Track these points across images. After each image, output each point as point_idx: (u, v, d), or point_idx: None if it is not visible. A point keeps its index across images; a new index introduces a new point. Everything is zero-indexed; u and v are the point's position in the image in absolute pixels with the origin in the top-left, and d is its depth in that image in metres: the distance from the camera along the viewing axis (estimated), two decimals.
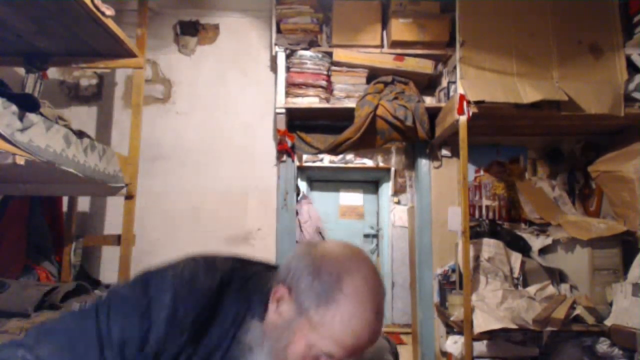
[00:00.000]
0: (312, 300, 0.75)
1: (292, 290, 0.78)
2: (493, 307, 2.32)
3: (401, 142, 3.12)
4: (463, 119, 2.33)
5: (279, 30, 3.02)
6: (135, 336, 0.75)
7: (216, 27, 3.30)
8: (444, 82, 2.98)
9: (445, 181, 3.04)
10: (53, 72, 3.09)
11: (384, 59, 2.97)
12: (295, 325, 0.76)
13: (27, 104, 1.61)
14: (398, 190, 4.95)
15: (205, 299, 0.80)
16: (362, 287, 0.76)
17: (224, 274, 0.84)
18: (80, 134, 1.97)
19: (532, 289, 2.44)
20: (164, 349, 0.76)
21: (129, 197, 2.53)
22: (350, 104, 2.91)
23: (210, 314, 0.80)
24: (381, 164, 3.92)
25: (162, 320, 0.76)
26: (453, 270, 2.77)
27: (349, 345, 0.74)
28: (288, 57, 2.97)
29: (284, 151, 3.02)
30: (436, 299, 2.90)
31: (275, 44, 2.99)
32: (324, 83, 2.94)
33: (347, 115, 2.84)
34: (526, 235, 2.77)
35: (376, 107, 2.79)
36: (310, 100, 2.90)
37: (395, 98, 2.85)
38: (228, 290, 0.82)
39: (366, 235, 5.86)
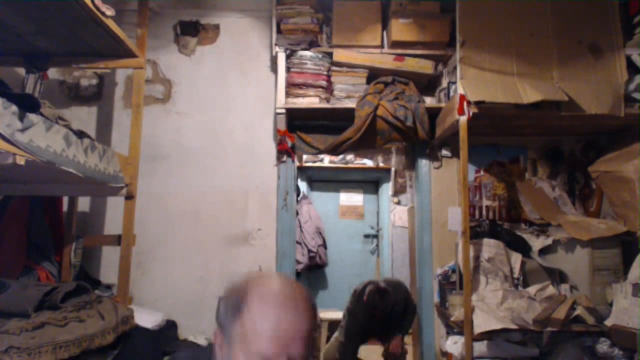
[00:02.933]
0: (229, 322, 0.83)
1: (220, 329, 0.86)
2: (493, 308, 2.32)
3: (401, 142, 3.12)
4: (463, 119, 2.33)
5: (279, 31, 3.02)
6: None
7: (216, 28, 3.30)
8: (444, 83, 2.98)
9: (445, 181, 3.04)
10: (53, 72, 3.10)
11: (384, 59, 2.97)
12: (231, 352, 0.82)
13: (27, 104, 1.61)
14: (398, 191, 4.95)
15: None
16: (265, 292, 0.83)
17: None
18: (80, 134, 1.97)
19: (532, 289, 2.44)
20: None
21: (129, 197, 2.53)
22: (350, 104, 2.91)
23: None
24: (381, 164, 3.92)
25: None
26: (453, 271, 2.77)
27: (273, 338, 0.78)
28: (288, 57, 2.97)
29: (284, 151, 3.02)
30: (436, 299, 2.90)
31: (276, 44, 2.99)
32: (324, 83, 2.94)
33: (347, 116, 2.84)
34: (526, 236, 2.77)
35: (376, 108, 2.79)
36: (310, 101, 2.90)
37: (396, 98, 2.85)
38: None
39: (366, 236, 5.85)
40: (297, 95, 2.91)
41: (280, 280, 0.86)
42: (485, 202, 2.99)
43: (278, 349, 0.77)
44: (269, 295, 0.82)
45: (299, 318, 0.81)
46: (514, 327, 2.18)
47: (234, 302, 0.83)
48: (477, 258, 2.56)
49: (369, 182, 6.08)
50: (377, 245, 5.77)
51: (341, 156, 4.94)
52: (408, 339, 3.61)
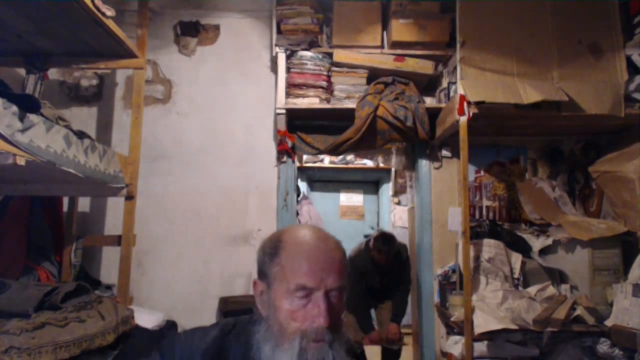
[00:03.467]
0: (267, 266, 0.90)
1: (260, 276, 0.93)
2: (493, 308, 2.32)
3: (401, 142, 3.12)
4: (463, 119, 2.33)
5: (279, 31, 3.02)
6: None
7: (217, 28, 3.30)
8: (444, 83, 2.98)
9: (445, 181, 3.04)
10: (53, 73, 3.10)
11: (384, 60, 2.97)
12: (271, 293, 0.89)
13: (27, 105, 1.61)
14: (398, 191, 4.95)
15: (210, 341, 0.92)
16: (299, 231, 0.92)
17: (225, 324, 0.98)
18: (80, 135, 1.97)
19: (532, 290, 2.44)
20: None
21: (130, 197, 2.53)
22: (350, 104, 2.91)
23: (218, 351, 0.91)
24: (381, 165, 3.92)
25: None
26: (453, 271, 2.77)
27: (310, 270, 0.85)
28: (288, 57, 2.97)
29: (284, 151, 3.02)
30: (436, 299, 2.90)
31: (276, 45, 2.99)
32: (324, 84, 2.94)
33: (347, 116, 2.84)
34: (526, 236, 2.77)
35: (376, 108, 2.79)
36: (310, 101, 2.90)
37: (396, 98, 2.85)
38: (230, 337, 0.94)
39: (366, 236, 5.85)
40: (297, 96, 2.91)
41: (311, 227, 0.95)
42: (486, 202, 2.99)
43: (316, 280, 0.84)
44: (303, 235, 0.91)
45: (331, 253, 0.88)
46: (514, 327, 2.18)
47: (271, 247, 0.91)
48: (477, 258, 2.56)
49: (369, 183, 6.09)
50: None
51: (341, 156, 4.95)
52: (408, 339, 3.62)
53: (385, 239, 3.24)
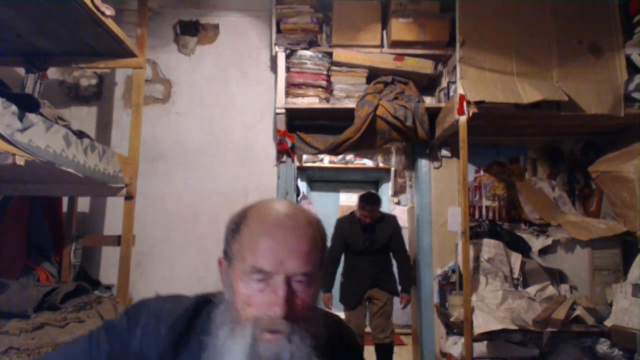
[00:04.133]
0: (230, 241, 0.80)
1: (224, 253, 0.83)
2: (493, 308, 2.32)
3: (401, 142, 3.12)
4: (463, 119, 2.33)
5: (279, 30, 3.02)
6: (119, 350, 0.81)
7: (216, 27, 3.30)
8: (444, 82, 2.98)
9: (445, 181, 3.04)
10: (53, 72, 3.09)
11: (384, 59, 2.97)
12: (231, 273, 0.79)
13: (27, 104, 1.61)
14: (398, 191, 4.95)
15: (182, 312, 0.84)
16: (267, 205, 0.81)
17: (200, 299, 0.88)
18: (80, 134, 1.97)
19: (532, 290, 2.44)
20: (146, 356, 0.80)
21: (129, 197, 2.53)
22: (350, 104, 2.91)
23: (187, 326, 0.83)
24: (381, 164, 3.92)
25: (139, 332, 0.81)
26: (453, 271, 2.76)
27: (269, 251, 0.74)
28: (288, 57, 2.97)
29: (284, 151, 3.02)
30: (436, 299, 2.90)
31: (275, 44, 2.99)
32: (324, 83, 2.94)
33: (347, 116, 2.84)
34: (526, 236, 2.77)
35: (376, 107, 2.79)
36: (310, 101, 2.90)
37: (395, 98, 2.85)
38: (203, 314, 0.84)
39: None
40: (297, 95, 2.91)
41: (282, 202, 0.83)
42: (485, 202, 2.99)
43: (275, 263, 0.74)
44: (268, 212, 0.79)
45: (299, 233, 0.76)
46: (513, 327, 2.18)
47: (235, 221, 0.81)
48: (477, 258, 2.55)
49: (369, 182, 6.08)
50: None
51: (341, 156, 4.94)
52: (408, 339, 3.62)
53: (369, 197, 3.40)
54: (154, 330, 0.81)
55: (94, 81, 3.20)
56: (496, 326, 2.15)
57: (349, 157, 5.02)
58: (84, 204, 3.04)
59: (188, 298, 0.88)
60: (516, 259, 2.58)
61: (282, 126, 2.93)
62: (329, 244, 0.82)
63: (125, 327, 0.82)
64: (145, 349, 0.80)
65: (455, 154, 2.99)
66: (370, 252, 3.39)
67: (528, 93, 2.35)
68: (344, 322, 1.07)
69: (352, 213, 3.53)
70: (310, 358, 0.74)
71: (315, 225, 0.80)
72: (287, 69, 2.96)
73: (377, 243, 3.38)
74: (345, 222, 3.48)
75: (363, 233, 3.40)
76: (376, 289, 3.39)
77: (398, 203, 5.15)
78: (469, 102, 2.32)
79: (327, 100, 2.95)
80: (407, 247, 3.47)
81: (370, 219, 3.35)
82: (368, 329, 3.48)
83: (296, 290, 0.75)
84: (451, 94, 2.80)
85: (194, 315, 0.83)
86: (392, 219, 3.53)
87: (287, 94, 2.92)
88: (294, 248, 0.75)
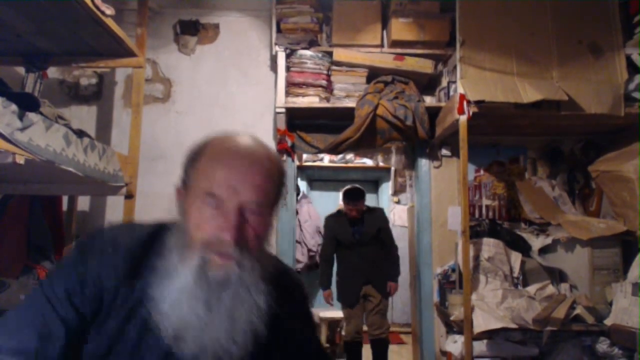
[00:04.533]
0: (188, 169, 0.82)
1: (182, 182, 0.85)
2: (493, 307, 2.32)
3: (401, 141, 3.12)
4: (463, 118, 2.33)
5: (279, 30, 3.02)
6: (75, 283, 0.79)
7: (216, 27, 3.30)
8: (444, 82, 2.98)
9: (445, 181, 3.04)
10: (53, 72, 3.09)
11: (384, 59, 2.97)
12: (186, 199, 0.81)
13: (27, 103, 1.61)
14: (398, 190, 4.95)
15: (141, 238, 0.84)
16: (228, 136, 0.83)
17: (162, 225, 0.87)
18: (80, 133, 1.97)
19: (532, 289, 2.44)
20: (103, 287, 0.79)
21: (129, 196, 2.53)
22: (350, 103, 2.91)
23: (143, 253, 0.82)
24: (381, 164, 3.92)
25: (95, 260, 0.80)
26: (453, 270, 2.76)
27: (224, 179, 0.76)
28: (288, 56, 2.97)
29: (284, 150, 3.02)
30: (436, 298, 2.90)
31: (276, 44, 2.99)
32: (324, 82, 2.94)
33: (347, 115, 2.84)
34: (526, 235, 2.77)
35: (376, 107, 2.79)
36: (310, 100, 2.90)
37: (396, 97, 2.85)
38: (163, 239, 0.83)
39: None
40: (297, 95, 2.91)
41: (244, 135, 0.84)
42: (485, 202, 2.99)
43: (228, 190, 0.75)
44: (228, 143, 0.82)
45: (254, 167, 0.78)
46: (513, 326, 2.18)
47: (195, 150, 0.83)
48: (476, 257, 2.56)
49: (369, 182, 6.08)
50: None
51: (341, 155, 4.94)
52: (408, 339, 3.62)
53: (351, 192, 3.50)
54: (109, 259, 0.80)
55: (94, 80, 3.20)
56: (496, 325, 2.16)
57: (349, 156, 5.02)
58: (84, 203, 3.03)
59: (142, 225, 0.88)
60: (516, 258, 2.58)
61: (282, 125, 2.93)
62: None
63: (78, 259, 0.81)
64: (103, 277, 0.79)
65: (455, 153, 2.99)
66: (360, 244, 3.46)
67: (528, 93, 2.35)
68: (294, 270, 1.08)
69: (339, 209, 3.64)
70: (259, 285, 0.77)
71: (274, 162, 0.82)
72: (287, 69, 2.96)
73: (366, 235, 3.46)
74: (333, 219, 3.60)
75: (351, 227, 3.48)
76: (371, 287, 3.44)
77: (398, 202, 5.15)
78: (469, 102, 2.33)
79: (327, 99, 2.96)
80: (394, 239, 3.61)
81: (356, 213, 3.44)
82: (367, 328, 3.49)
83: (248, 220, 0.76)
84: (451, 93, 2.80)
85: (150, 242, 0.83)
86: (379, 211, 3.65)
87: (287, 94, 2.92)
88: (249, 179, 0.77)
